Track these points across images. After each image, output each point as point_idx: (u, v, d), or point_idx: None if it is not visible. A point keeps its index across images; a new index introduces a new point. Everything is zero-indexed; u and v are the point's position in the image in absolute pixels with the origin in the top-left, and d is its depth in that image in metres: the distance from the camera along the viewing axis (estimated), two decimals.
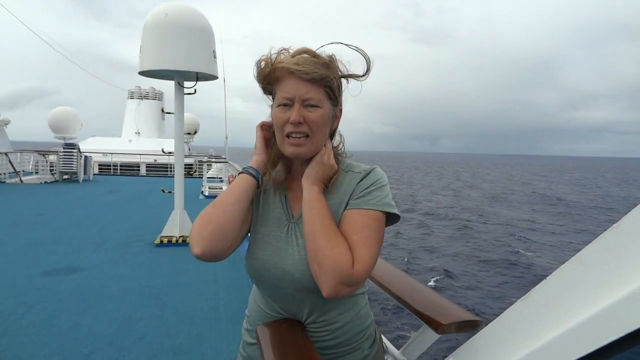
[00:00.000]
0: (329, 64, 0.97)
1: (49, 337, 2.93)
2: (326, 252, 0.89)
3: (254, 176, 1.02)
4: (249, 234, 1.10)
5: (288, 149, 0.99)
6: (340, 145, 1.10)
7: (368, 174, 1.03)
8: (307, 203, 0.97)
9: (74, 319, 3.24)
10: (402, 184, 44.98)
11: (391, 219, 1.01)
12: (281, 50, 0.99)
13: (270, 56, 0.98)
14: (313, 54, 0.97)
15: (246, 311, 1.18)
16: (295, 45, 1.01)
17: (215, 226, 0.95)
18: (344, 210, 1.00)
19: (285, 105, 0.96)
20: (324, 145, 1.02)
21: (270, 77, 0.98)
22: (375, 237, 0.94)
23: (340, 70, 1.00)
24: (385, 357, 1.33)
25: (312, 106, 0.95)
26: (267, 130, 1.08)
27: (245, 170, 1.03)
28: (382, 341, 1.23)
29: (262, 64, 0.99)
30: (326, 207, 0.97)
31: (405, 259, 13.22)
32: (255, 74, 1.01)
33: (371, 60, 0.99)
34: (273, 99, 1.02)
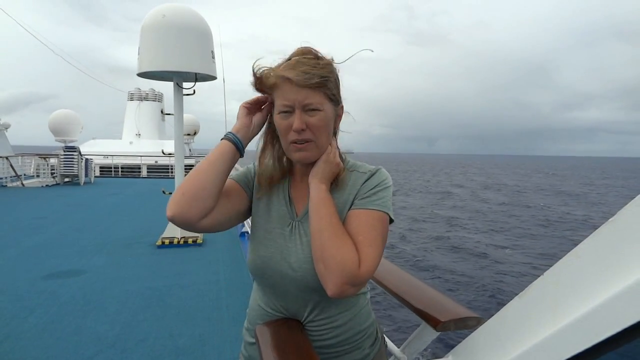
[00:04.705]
0: (326, 63, 0.97)
1: (51, 340, 2.93)
2: (333, 251, 0.89)
3: (232, 141, 1.01)
4: (245, 227, 1.11)
5: (294, 155, 0.99)
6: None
7: (373, 174, 1.03)
8: (315, 202, 0.97)
9: (76, 322, 3.24)
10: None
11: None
12: (279, 61, 0.98)
13: (261, 67, 0.97)
14: (309, 55, 0.97)
15: (247, 310, 1.18)
16: (291, 47, 1.00)
17: (189, 191, 0.95)
18: (349, 209, 1.00)
19: (286, 112, 0.96)
20: (329, 144, 1.02)
21: (267, 85, 0.98)
22: (380, 238, 0.95)
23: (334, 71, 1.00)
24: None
25: (313, 110, 0.95)
26: (250, 104, 1.06)
27: (225, 137, 1.02)
28: (385, 340, 1.22)
29: (258, 71, 0.98)
30: (333, 207, 0.97)
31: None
32: (252, 82, 1.00)
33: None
34: (272, 103, 1.02)
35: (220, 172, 0.98)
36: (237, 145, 1.02)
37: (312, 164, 1.02)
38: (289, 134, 0.97)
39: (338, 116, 1.04)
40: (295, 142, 0.97)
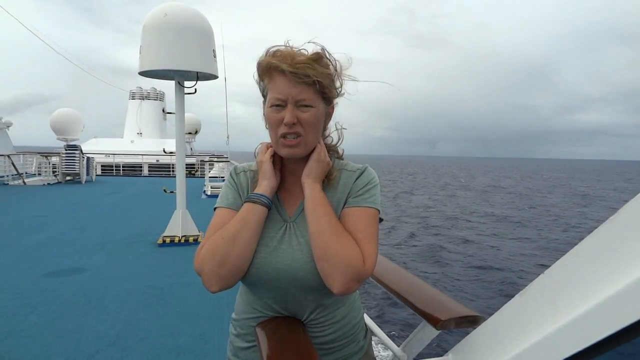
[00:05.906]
0: (322, 63, 0.96)
1: (52, 338, 2.94)
2: (337, 249, 0.90)
3: (267, 206, 1.01)
4: None
5: (283, 150, 1.00)
6: (340, 142, 1.10)
7: (362, 172, 1.06)
8: (311, 202, 0.97)
9: (77, 320, 3.25)
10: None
11: None
12: (277, 47, 0.97)
13: (265, 54, 0.98)
14: (308, 53, 0.96)
15: (233, 315, 1.14)
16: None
17: (234, 266, 0.95)
18: (343, 207, 1.01)
19: (278, 105, 0.96)
20: (318, 143, 1.03)
21: (263, 75, 0.99)
22: (376, 233, 0.98)
23: (334, 69, 0.99)
24: (386, 354, 1.33)
25: (305, 106, 0.95)
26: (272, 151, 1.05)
27: (259, 201, 1.00)
28: (371, 330, 1.26)
29: (260, 63, 0.98)
30: (330, 205, 0.98)
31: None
32: (256, 76, 1.01)
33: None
34: (264, 96, 1.02)
35: (258, 237, 0.99)
36: (270, 207, 1.02)
37: (301, 165, 1.03)
38: (280, 127, 0.97)
39: (328, 115, 1.05)
40: (285, 137, 0.97)
